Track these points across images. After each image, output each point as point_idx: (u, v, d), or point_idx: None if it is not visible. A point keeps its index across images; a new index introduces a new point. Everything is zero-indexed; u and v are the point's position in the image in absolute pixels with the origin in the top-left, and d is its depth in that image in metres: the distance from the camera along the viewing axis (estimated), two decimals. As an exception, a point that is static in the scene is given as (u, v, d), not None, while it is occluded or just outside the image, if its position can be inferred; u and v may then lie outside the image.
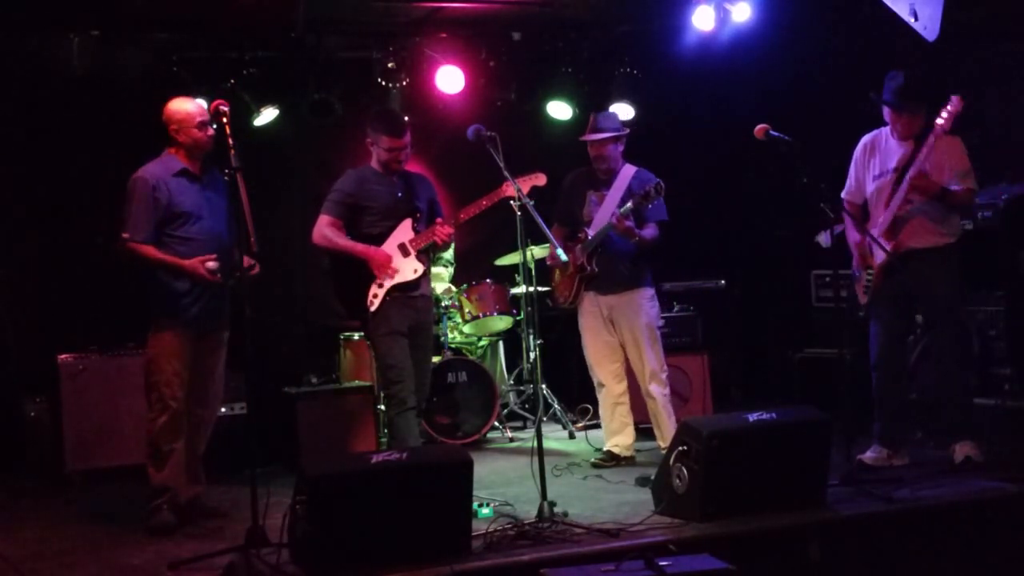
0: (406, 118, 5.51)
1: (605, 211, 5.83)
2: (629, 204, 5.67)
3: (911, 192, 5.35)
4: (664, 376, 5.91)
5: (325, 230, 5.37)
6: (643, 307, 5.88)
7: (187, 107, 5.04)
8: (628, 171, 5.92)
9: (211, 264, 4.87)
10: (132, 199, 4.92)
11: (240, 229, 4.60)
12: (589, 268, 5.85)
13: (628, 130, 5.97)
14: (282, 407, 6.37)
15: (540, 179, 5.41)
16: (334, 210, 5.39)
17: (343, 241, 5.36)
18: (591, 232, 5.85)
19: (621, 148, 5.96)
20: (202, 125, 5.00)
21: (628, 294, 5.88)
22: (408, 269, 5.39)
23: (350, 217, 5.39)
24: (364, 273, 5.32)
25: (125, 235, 4.91)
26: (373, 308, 5.31)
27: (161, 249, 4.91)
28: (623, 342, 5.93)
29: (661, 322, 6.12)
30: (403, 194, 5.47)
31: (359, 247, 5.34)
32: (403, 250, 5.40)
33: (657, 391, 5.86)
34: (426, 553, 4.02)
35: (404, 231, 5.43)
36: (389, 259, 5.32)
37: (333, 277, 5.47)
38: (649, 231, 5.81)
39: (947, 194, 5.35)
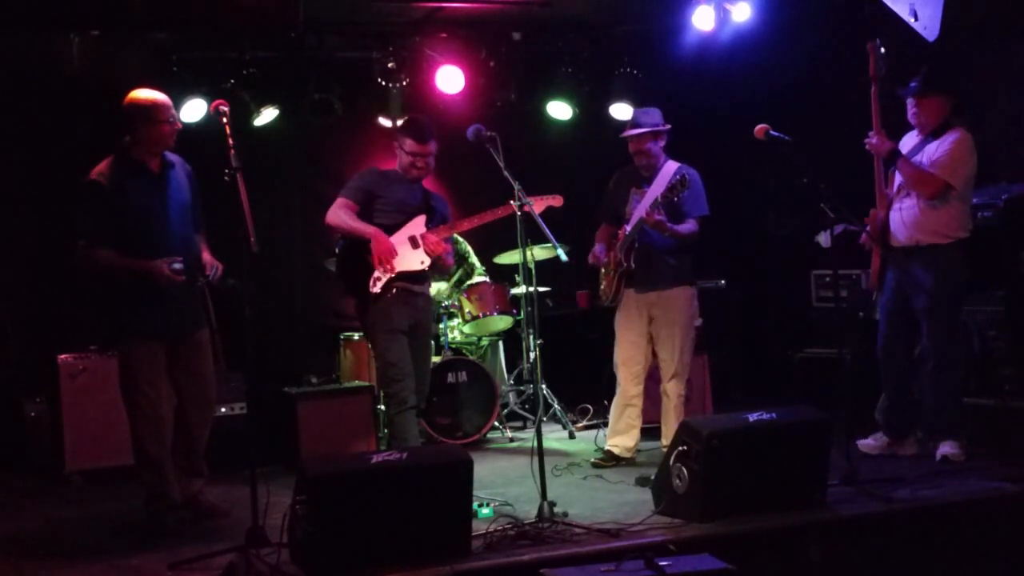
0: (434, 129, 5.52)
1: (643, 207, 5.73)
2: (658, 197, 5.62)
3: (871, 149, 5.53)
4: (685, 378, 5.86)
5: (339, 211, 5.38)
6: (682, 307, 5.81)
7: (158, 96, 4.87)
8: (670, 167, 5.81)
9: (177, 266, 4.72)
10: (87, 203, 4.76)
11: (240, 230, 4.53)
12: (626, 264, 5.80)
13: (668, 125, 5.88)
14: (282, 407, 6.37)
15: (557, 200, 5.47)
16: (351, 194, 5.41)
17: (354, 222, 5.36)
18: (627, 228, 5.83)
19: (662, 143, 5.87)
20: (173, 118, 4.87)
21: (668, 292, 5.80)
22: (415, 260, 5.39)
23: (366, 205, 5.40)
24: (371, 258, 5.31)
25: (83, 242, 4.75)
26: (375, 290, 5.29)
27: (122, 254, 4.74)
28: (656, 337, 5.86)
29: (699, 322, 6.07)
30: (420, 197, 5.51)
31: (369, 229, 5.32)
32: (413, 242, 5.42)
33: (673, 391, 5.83)
34: (426, 553, 4.03)
35: (417, 225, 5.45)
36: (392, 249, 5.31)
37: (340, 260, 5.46)
38: (685, 226, 5.72)
39: (902, 162, 5.44)
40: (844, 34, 7.03)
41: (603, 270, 6.04)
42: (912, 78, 5.53)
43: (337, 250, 5.53)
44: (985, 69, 6.62)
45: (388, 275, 5.31)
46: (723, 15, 7.02)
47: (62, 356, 6.19)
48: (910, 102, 5.54)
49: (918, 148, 5.55)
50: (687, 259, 5.87)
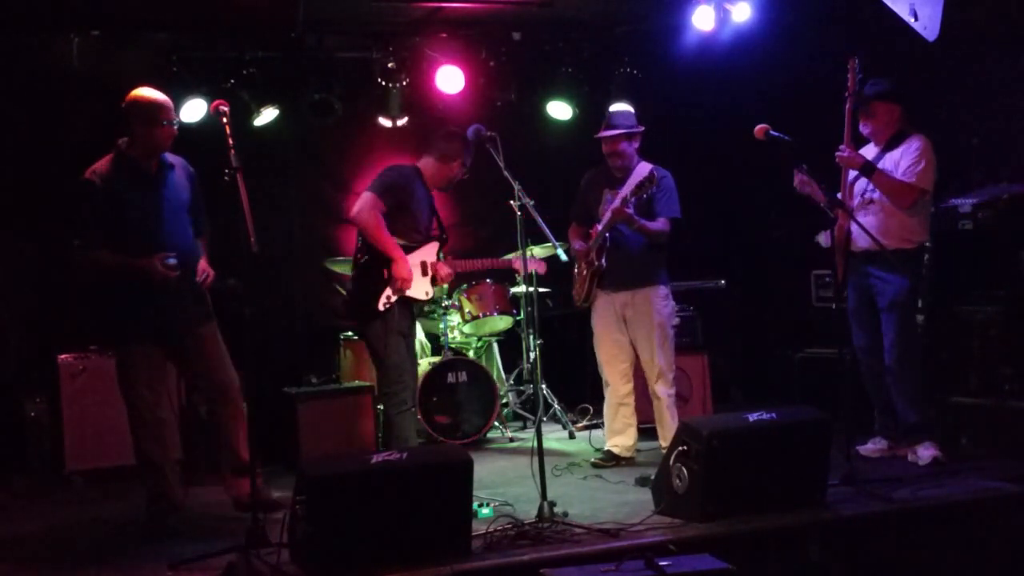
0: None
1: (614, 205, 5.72)
2: (627, 194, 5.61)
3: (842, 162, 5.57)
4: (671, 377, 5.86)
5: (375, 212, 5.30)
6: (656, 305, 5.81)
7: (160, 96, 4.85)
8: (643, 168, 5.79)
9: (171, 261, 4.71)
10: (82, 203, 4.75)
11: (240, 230, 4.51)
12: (597, 264, 5.81)
13: (643, 127, 5.89)
14: (282, 407, 6.37)
15: (541, 267, 6.11)
16: (383, 194, 5.34)
17: (386, 235, 5.32)
18: (599, 227, 5.82)
19: (636, 145, 5.88)
20: (171, 120, 4.85)
21: (641, 291, 5.82)
22: (421, 289, 5.49)
23: (392, 209, 5.36)
24: (384, 276, 5.34)
25: (77, 242, 4.75)
26: (381, 309, 5.33)
27: (116, 253, 4.72)
28: (634, 339, 5.87)
29: (676, 320, 6.06)
30: (434, 211, 5.62)
31: (397, 252, 5.32)
32: (423, 268, 5.50)
33: (663, 391, 5.83)
34: (426, 553, 4.03)
35: (429, 252, 5.54)
36: (411, 275, 5.35)
37: (362, 268, 5.44)
38: (654, 223, 5.74)
39: (879, 174, 5.47)
40: (844, 34, 7.03)
41: (575, 271, 6.06)
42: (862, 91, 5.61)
43: (358, 249, 5.48)
44: (985, 70, 6.61)
45: (395, 299, 5.36)
46: (723, 15, 7.02)
47: (62, 356, 6.20)
48: (861, 113, 5.61)
49: (877, 159, 5.60)
50: (658, 259, 5.88)
